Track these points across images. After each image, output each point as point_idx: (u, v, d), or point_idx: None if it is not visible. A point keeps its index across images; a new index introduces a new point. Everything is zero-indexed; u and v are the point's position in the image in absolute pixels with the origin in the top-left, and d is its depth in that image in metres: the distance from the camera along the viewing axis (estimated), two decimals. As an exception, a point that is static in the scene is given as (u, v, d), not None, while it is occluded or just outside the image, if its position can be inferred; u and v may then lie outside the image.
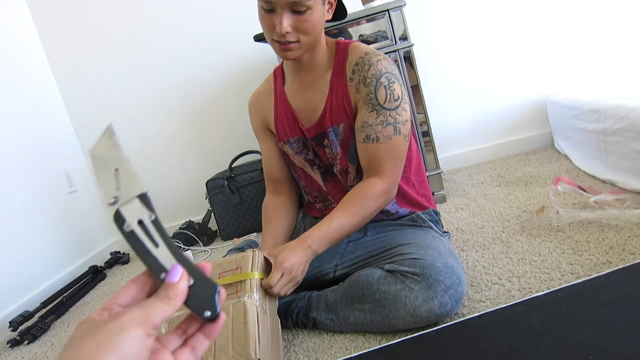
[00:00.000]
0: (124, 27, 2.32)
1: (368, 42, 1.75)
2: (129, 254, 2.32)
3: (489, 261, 1.19)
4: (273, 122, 1.26)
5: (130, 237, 0.40)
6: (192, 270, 0.40)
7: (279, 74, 1.26)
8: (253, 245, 1.67)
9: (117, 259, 2.28)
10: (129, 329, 0.33)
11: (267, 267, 1.02)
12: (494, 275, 1.11)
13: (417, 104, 1.81)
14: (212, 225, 2.29)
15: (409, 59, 1.79)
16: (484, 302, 1.00)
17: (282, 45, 1.04)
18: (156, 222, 0.41)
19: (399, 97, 1.09)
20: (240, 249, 1.49)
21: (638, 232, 1.11)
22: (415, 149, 1.28)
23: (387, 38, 1.77)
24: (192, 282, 0.40)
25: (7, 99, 2.04)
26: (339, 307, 1.03)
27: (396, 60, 1.75)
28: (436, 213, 1.27)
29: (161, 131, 2.42)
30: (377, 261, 1.09)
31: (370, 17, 1.75)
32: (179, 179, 2.46)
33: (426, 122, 1.85)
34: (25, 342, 1.54)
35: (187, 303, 0.39)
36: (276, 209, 1.29)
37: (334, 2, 1.10)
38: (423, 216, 1.21)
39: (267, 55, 2.18)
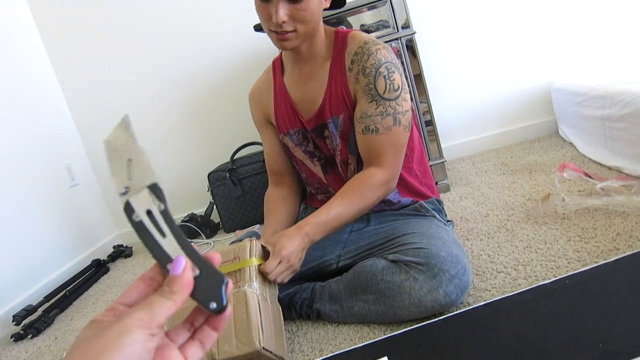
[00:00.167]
0: (123, 19, 2.29)
1: (369, 32, 1.73)
2: (131, 247, 2.32)
3: (494, 250, 1.18)
4: (273, 115, 1.24)
5: (138, 227, 0.40)
6: (198, 260, 0.40)
7: (277, 65, 1.24)
8: (255, 237, 1.65)
9: (120, 252, 2.28)
10: (131, 332, 0.33)
11: (265, 255, 1.01)
12: (499, 263, 1.10)
13: (420, 93, 1.79)
14: (215, 217, 2.29)
15: (411, 47, 1.76)
16: (490, 291, 0.99)
17: (279, 35, 1.02)
18: (165, 213, 0.40)
19: (398, 87, 1.07)
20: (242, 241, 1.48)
21: (646, 218, 1.10)
22: (417, 139, 1.26)
23: (388, 26, 1.74)
24: (197, 272, 0.39)
25: (7, 93, 2.03)
26: (343, 298, 1.02)
27: (398, 50, 1.73)
28: (439, 202, 1.25)
29: (162, 123, 2.40)
30: (380, 251, 1.08)
31: (372, 4, 1.72)
32: (180, 172, 2.45)
33: (429, 111, 1.83)
34: (29, 336, 1.54)
35: (192, 295, 0.38)
36: (278, 201, 1.28)
37: None
38: (426, 205, 1.20)
39: (268, 46, 2.12)
